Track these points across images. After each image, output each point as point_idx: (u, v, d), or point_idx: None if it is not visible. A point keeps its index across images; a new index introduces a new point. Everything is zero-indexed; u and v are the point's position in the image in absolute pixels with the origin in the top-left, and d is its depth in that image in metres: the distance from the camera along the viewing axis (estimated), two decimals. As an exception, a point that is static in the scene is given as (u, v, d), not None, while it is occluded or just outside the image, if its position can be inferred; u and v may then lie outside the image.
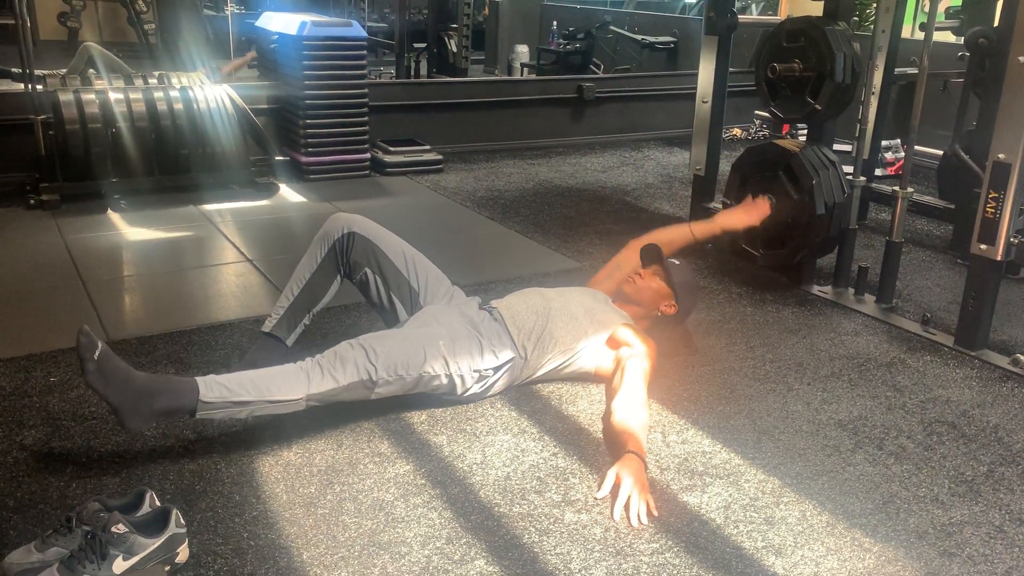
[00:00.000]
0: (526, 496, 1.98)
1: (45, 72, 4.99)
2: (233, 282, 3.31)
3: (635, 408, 2.19)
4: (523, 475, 2.07)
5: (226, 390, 2.00)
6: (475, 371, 2.31)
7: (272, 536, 1.80)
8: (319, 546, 1.77)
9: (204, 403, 1.97)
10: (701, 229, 3.06)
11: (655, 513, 1.93)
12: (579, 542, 1.83)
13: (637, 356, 2.37)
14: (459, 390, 2.31)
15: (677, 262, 2.71)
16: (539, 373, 2.47)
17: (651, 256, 2.73)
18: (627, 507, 1.91)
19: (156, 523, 1.69)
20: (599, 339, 2.47)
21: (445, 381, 2.27)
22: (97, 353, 1.88)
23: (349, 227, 2.48)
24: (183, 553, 1.70)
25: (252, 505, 1.90)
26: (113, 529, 1.62)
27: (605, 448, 2.19)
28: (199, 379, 1.99)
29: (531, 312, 2.44)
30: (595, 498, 1.98)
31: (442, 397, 2.33)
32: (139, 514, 1.73)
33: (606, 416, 2.30)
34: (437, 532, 1.84)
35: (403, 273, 2.51)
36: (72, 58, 5.52)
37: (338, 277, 2.51)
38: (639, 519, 1.89)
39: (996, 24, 3.74)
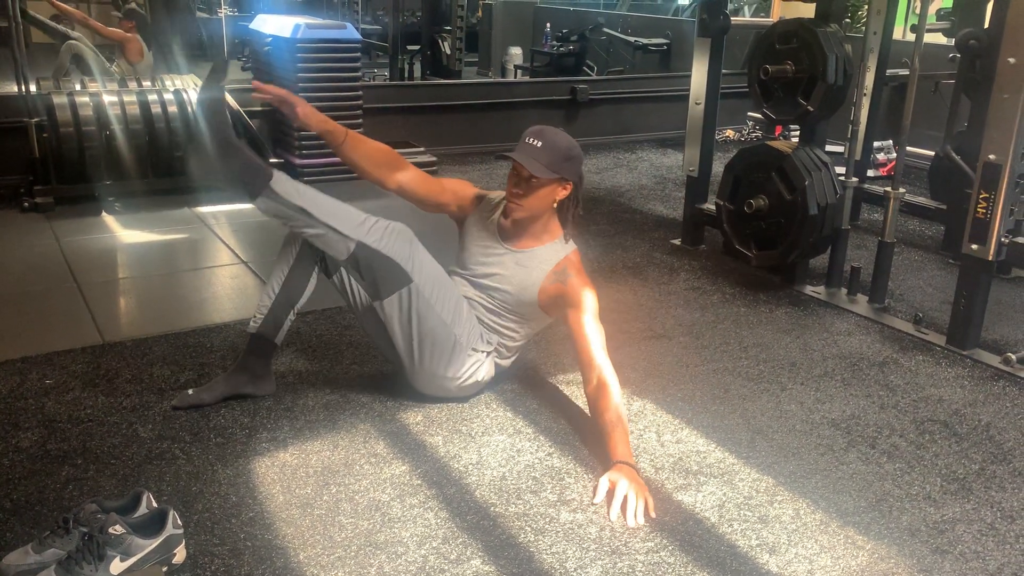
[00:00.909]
0: (522, 496, 1.99)
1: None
2: (228, 284, 3.31)
3: (606, 388, 2.17)
4: (519, 475, 2.07)
5: (296, 193, 2.08)
6: (472, 348, 2.33)
7: (269, 537, 1.80)
8: (316, 546, 1.78)
9: (271, 191, 2.05)
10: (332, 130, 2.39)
11: (653, 514, 1.93)
12: (575, 541, 1.84)
13: (578, 308, 2.28)
14: (457, 362, 2.29)
15: (531, 140, 2.25)
16: (512, 354, 2.48)
17: (505, 157, 2.30)
18: (624, 507, 1.92)
19: (153, 524, 1.70)
20: (536, 310, 2.39)
21: (451, 342, 2.26)
22: (222, 82, 2.00)
23: None
24: (180, 554, 1.71)
25: (249, 506, 1.90)
26: (110, 530, 1.63)
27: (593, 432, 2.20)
28: (275, 171, 2.08)
29: (479, 303, 2.42)
30: (590, 499, 1.99)
31: (428, 369, 2.29)
32: (136, 515, 1.73)
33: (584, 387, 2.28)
34: (433, 532, 1.84)
35: None
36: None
37: (315, 271, 2.37)
38: (635, 518, 1.90)
39: (986, 26, 3.76)
